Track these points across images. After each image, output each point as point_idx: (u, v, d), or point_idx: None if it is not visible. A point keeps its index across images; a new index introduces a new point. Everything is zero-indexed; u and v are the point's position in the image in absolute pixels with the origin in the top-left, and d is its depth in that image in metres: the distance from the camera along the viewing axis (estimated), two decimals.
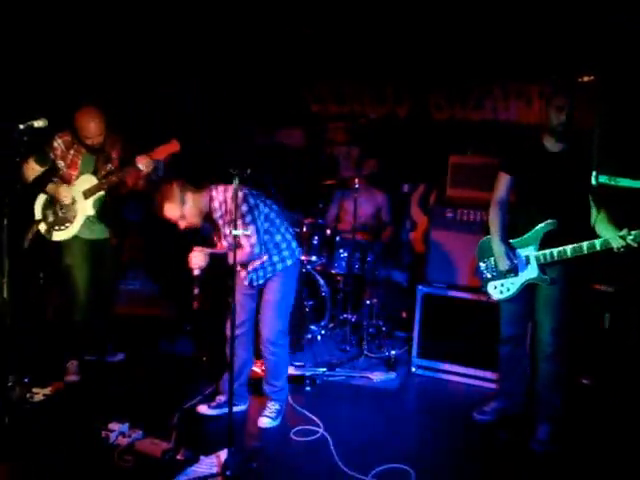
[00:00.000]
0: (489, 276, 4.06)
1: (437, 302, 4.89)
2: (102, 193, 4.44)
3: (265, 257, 3.97)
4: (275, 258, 4.03)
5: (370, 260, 5.59)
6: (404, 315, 5.80)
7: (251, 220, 3.80)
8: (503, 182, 3.97)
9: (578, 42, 4.74)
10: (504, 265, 3.89)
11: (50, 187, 4.42)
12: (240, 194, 3.71)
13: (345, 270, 5.53)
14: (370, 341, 5.41)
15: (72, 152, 4.41)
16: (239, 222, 3.65)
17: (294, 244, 4.13)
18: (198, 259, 3.79)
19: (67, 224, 4.45)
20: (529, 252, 3.84)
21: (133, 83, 5.81)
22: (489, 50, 5.37)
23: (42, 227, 4.47)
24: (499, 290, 4.01)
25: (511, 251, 3.90)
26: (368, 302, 5.47)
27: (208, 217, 3.96)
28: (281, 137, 6.85)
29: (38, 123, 3.64)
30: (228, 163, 3.48)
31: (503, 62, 5.26)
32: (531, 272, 3.85)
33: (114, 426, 3.80)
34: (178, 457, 3.59)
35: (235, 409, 3.99)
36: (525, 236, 3.86)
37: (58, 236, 4.46)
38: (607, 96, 4.43)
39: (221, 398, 4.22)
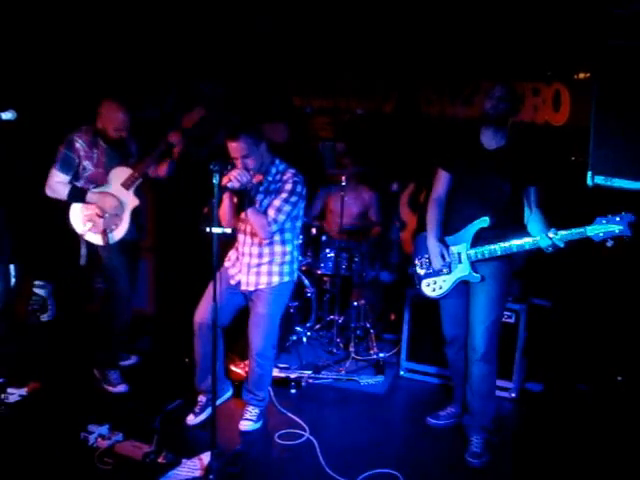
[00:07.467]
0: (423, 273, 4.00)
1: (426, 304, 4.79)
2: (140, 181, 4.32)
3: (266, 257, 3.93)
4: (275, 268, 3.96)
5: (357, 260, 5.49)
6: (392, 317, 5.72)
7: (294, 202, 3.81)
8: (441, 179, 3.92)
9: (573, 39, 4.69)
10: (438, 264, 3.86)
11: (92, 197, 4.22)
12: (299, 177, 3.87)
13: (332, 271, 5.42)
14: (357, 343, 5.30)
15: (95, 150, 4.25)
16: (282, 196, 3.77)
17: (296, 265, 4.11)
18: (241, 174, 3.63)
19: (118, 222, 4.29)
20: (461, 249, 3.81)
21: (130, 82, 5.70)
22: (480, 46, 5.30)
23: (92, 237, 4.27)
24: (432, 288, 3.96)
25: (445, 249, 3.85)
26: (355, 304, 5.38)
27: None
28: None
29: (6, 115, 3.51)
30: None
31: (495, 58, 5.19)
32: (463, 270, 3.82)
33: (93, 428, 3.72)
34: (160, 460, 3.54)
35: (225, 396, 4.29)
36: (458, 233, 3.83)
37: (116, 236, 4.29)
38: (602, 94, 4.38)
39: (202, 399, 4.14)
